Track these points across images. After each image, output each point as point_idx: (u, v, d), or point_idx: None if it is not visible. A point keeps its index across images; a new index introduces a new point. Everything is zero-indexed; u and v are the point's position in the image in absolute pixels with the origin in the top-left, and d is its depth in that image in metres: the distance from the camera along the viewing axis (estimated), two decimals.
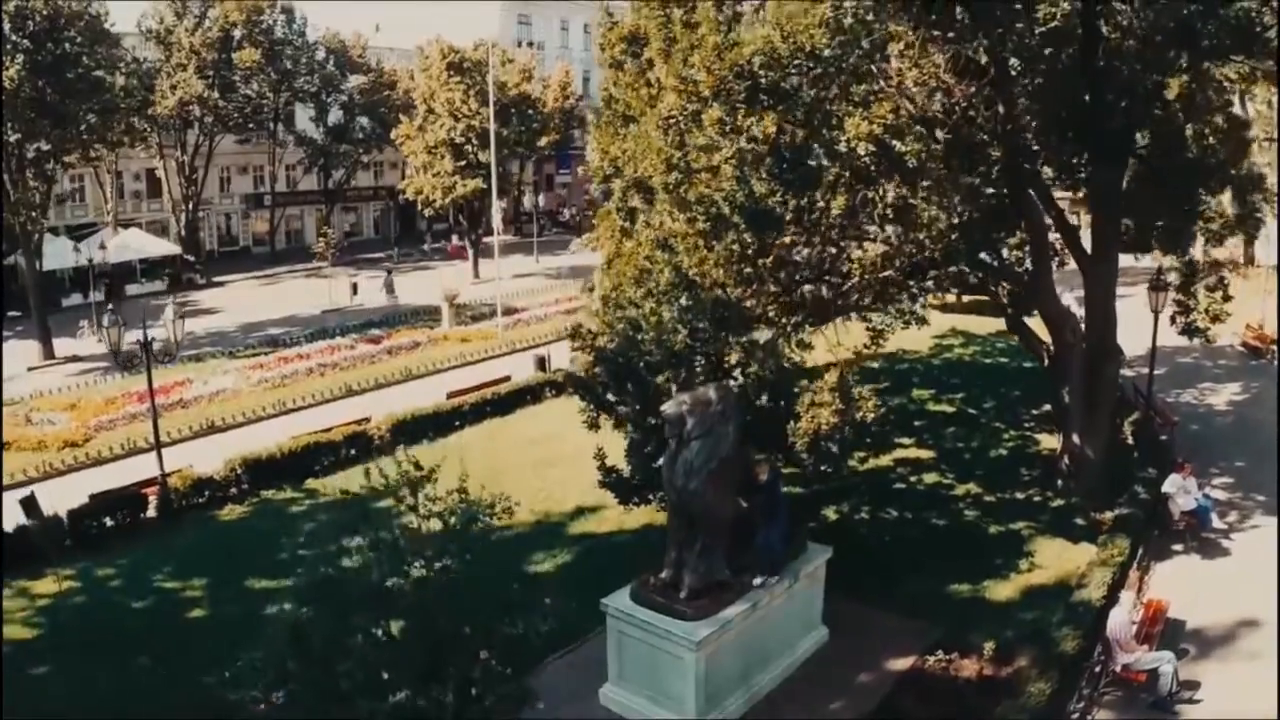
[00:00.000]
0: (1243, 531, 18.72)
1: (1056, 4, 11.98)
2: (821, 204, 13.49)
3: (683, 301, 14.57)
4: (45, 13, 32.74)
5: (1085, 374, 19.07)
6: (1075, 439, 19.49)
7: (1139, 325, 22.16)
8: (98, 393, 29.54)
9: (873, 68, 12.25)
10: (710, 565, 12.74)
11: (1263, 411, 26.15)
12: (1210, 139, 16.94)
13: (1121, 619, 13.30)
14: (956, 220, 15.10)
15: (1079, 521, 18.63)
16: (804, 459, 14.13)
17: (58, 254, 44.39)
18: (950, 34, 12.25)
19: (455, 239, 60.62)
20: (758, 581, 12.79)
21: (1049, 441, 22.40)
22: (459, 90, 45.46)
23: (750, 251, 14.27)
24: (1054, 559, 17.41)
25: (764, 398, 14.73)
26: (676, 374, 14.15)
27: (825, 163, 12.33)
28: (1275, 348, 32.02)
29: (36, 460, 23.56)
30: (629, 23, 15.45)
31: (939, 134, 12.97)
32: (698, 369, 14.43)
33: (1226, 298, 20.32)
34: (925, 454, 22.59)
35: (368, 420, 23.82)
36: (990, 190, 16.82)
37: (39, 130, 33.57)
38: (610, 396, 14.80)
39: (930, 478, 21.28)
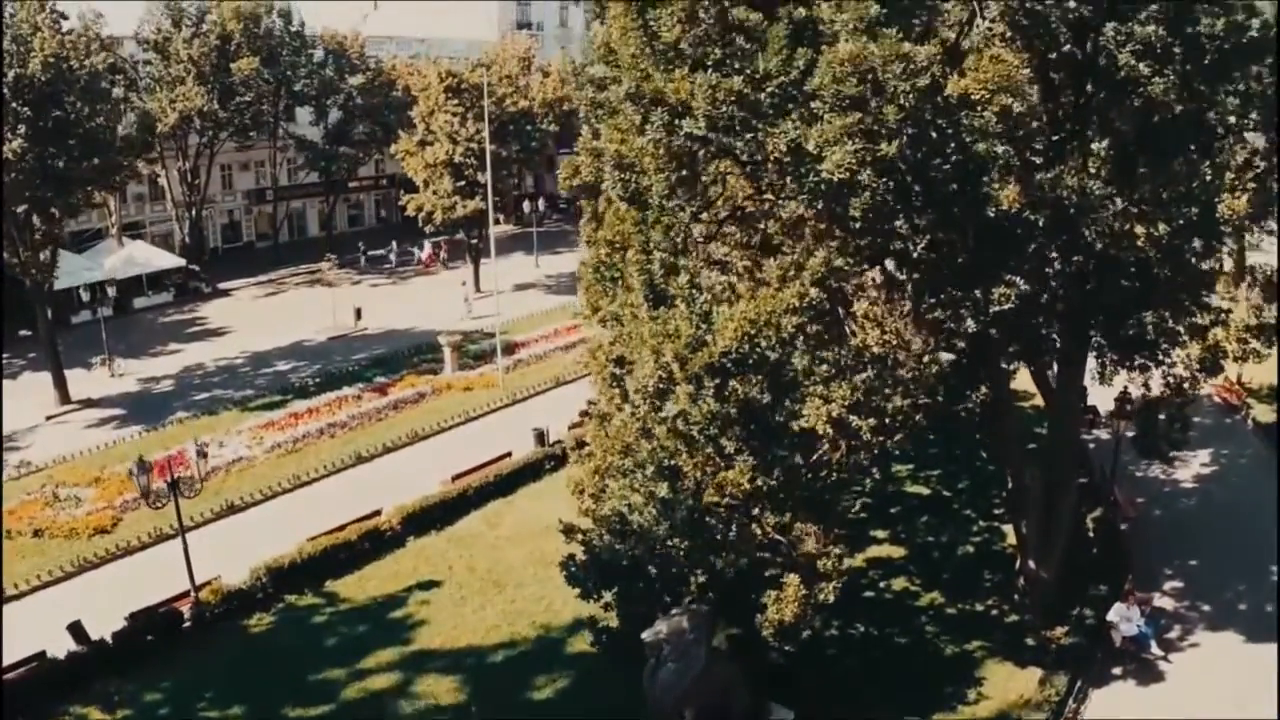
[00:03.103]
0: (1180, 652, 21.10)
1: (1013, 285, 13.81)
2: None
3: (663, 494, 16.75)
4: (45, 78, 33.90)
5: (1042, 508, 21.24)
6: (1031, 564, 21.77)
7: None
8: (118, 457, 31.78)
9: (839, 339, 14.20)
10: None
11: (1227, 490, 28.37)
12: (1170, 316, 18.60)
13: None
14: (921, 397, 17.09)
15: (1029, 642, 21.02)
16: (770, 644, 16.42)
17: (66, 273, 46.19)
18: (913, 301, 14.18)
19: (429, 246, 60.16)
20: None
21: (1014, 536, 24.65)
22: (457, 114, 46.72)
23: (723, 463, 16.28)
24: (1000, 686, 19.86)
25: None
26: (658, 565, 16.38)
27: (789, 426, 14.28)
28: (1250, 402, 34.12)
29: (71, 553, 25.95)
30: (614, 228, 17.09)
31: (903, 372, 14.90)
32: (678, 559, 16.62)
33: (1185, 428, 22.30)
34: (897, 552, 24.91)
35: (379, 514, 26.13)
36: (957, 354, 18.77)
37: (44, 194, 35.01)
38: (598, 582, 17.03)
39: (899, 583, 23.65)
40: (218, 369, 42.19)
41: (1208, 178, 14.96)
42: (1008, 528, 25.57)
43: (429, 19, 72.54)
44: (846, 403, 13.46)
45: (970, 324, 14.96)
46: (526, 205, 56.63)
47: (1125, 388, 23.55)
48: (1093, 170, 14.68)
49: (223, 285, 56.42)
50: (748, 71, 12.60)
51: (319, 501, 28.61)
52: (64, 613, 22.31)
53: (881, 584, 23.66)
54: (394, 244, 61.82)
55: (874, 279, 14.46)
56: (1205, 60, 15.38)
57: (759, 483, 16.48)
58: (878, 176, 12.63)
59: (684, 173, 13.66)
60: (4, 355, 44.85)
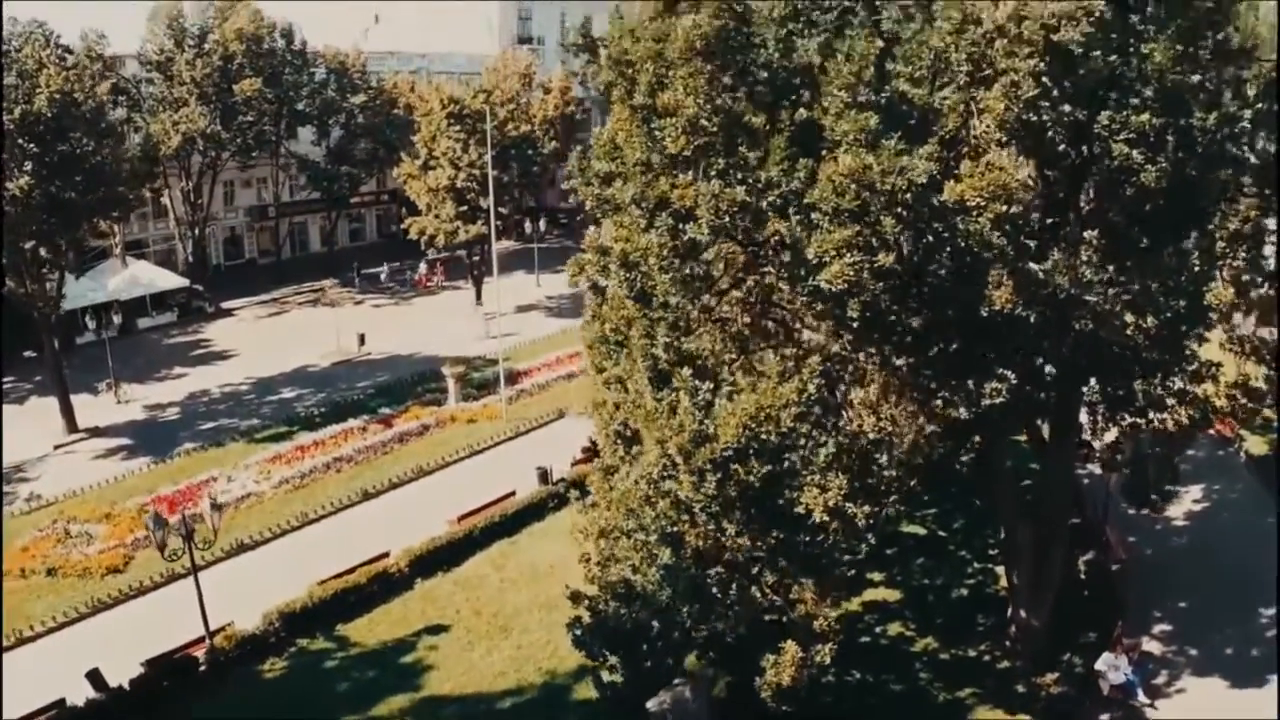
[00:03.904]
0: (1167, 698, 21.96)
1: (1004, 380, 14.67)
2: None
3: (666, 559, 17.61)
4: (50, 114, 34.45)
5: (1034, 560, 22.09)
6: (1022, 613, 22.63)
7: None
8: (127, 492, 32.68)
9: (836, 426, 15.08)
10: None
11: (1218, 527, 29.17)
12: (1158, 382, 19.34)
13: None
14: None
15: (1020, 689, 21.89)
16: (770, 705, 17.29)
17: (70, 295, 46.83)
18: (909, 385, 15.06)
19: (424, 268, 61.40)
20: None
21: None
22: (459, 140, 47.52)
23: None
24: None
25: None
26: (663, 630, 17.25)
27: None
28: (1243, 434, 34.89)
29: (85, 593, 26.80)
30: (619, 311, 17.74)
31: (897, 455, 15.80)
32: (681, 622, 17.50)
33: (1175, 479, 23.13)
34: (893, 595, 25.75)
35: (386, 556, 26.99)
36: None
37: (52, 230, 35.78)
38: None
39: (894, 628, 24.49)
40: (223, 395, 43.04)
41: (1196, 268, 15.68)
42: (1001, 569, 26.42)
43: (431, 25, 73.42)
44: (843, 492, 14.33)
45: (963, 412, 15.77)
46: (528, 226, 57.48)
47: (1117, 439, 24.46)
48: (1085, 258, 15.39)
49: (226, 304, 57.28)
50: (750, 180, 13.43)
51: (327, 540, 29.48)
52: (81, 656, 23.20)
53: (878, 629, 24.50)
54: (386, 265, 62.92)
55: (870, 365, 15.24)
56: (1198, 149, 16.02)
57: (759, 543, 17.33)
58: (874, 281, 13.44)
59: (688, 271, 14.47)
60: (11, 379, 45.81)
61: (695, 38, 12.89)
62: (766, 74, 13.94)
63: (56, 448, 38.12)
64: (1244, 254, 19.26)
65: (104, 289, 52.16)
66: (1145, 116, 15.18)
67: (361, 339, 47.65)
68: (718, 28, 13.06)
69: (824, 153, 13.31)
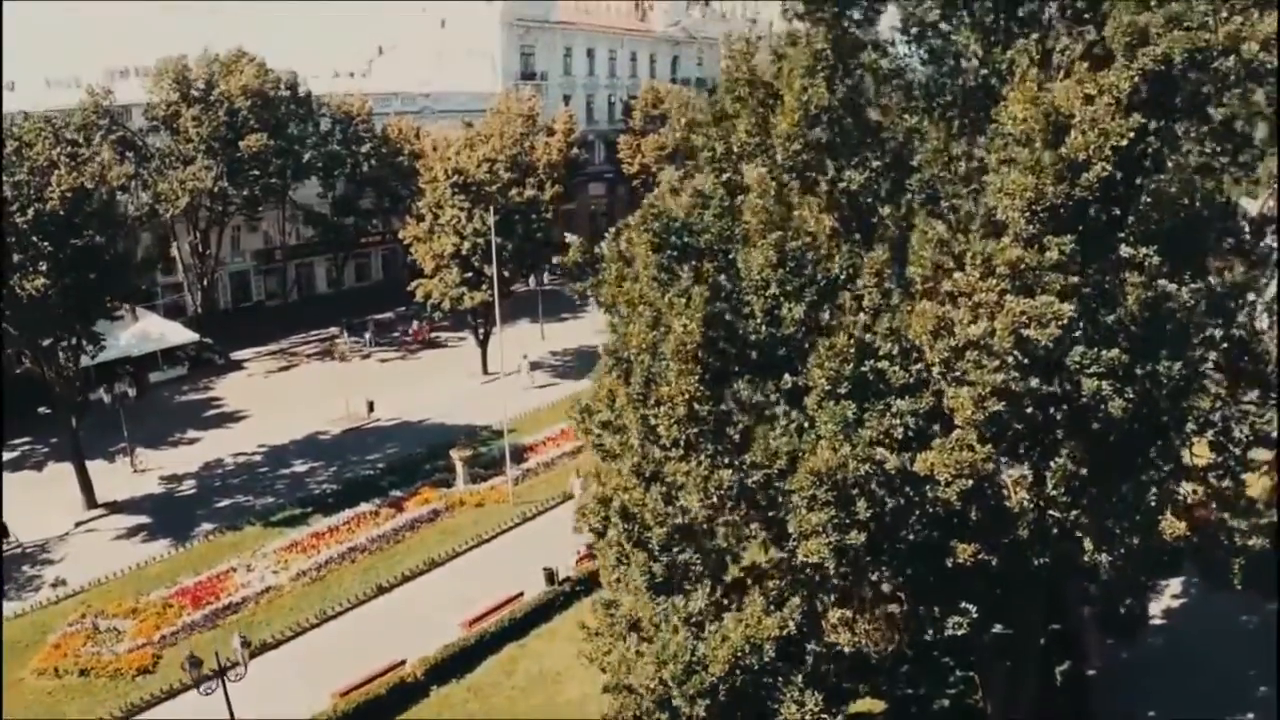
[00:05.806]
0: None
1: (966, 613, 16.78)
2: None
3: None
4: (64, 212, 35.86)
5: (1008, 687, 24.33)
6: None
7: None
8: (150, 581, 34.97)
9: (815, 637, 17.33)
10: None
11: (1193, 624, 31.20)
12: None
13: None
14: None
15: None
16: None
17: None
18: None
19: (416, 324, 63.46)
20: None
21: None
22: (463, 210, 49.55)
23: None
24: None
25: None
26: None
27: None
28: None
29: (116, 694, 29.09)
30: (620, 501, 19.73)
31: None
32: None
33: (1145, 616, 25.21)
34: (877, 707, 27.98)
35: (403, 664, 29.29)
36: None
37: (67, 320, 37.85)
38: None
39: None
40: (237, 466, 45.26)
41: (1153, 503, 17.29)
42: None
43: (433, 58, 75.32)
44: (819, 708, 16.56)
45: (930, 633, 17.90)
46: (532, 281, 59.50)
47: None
48: (1051, 484, 17.06)
49: (235, 355, 59.50)
50: (735, 464, 15.57)
51: (345, 637, 31.73)
52: None
53: None
54: (371, 320, 64.73)
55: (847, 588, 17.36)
56: (1164, 390, 17.17)
57: None
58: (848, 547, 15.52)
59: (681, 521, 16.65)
60: (28, 439, 48.01)
61: (688, 342, 14.94)
62: (755, 338, 16.00)
63: (77, 525, 40.33)
64: (1213, 436, 19.95)
65: (115, 344, 54.14)
66: (1115, 352, 15.99)
67: (370, 406, 49.79)
68: (708, 317, 15.09)
69: (805, 424, 15.41)
